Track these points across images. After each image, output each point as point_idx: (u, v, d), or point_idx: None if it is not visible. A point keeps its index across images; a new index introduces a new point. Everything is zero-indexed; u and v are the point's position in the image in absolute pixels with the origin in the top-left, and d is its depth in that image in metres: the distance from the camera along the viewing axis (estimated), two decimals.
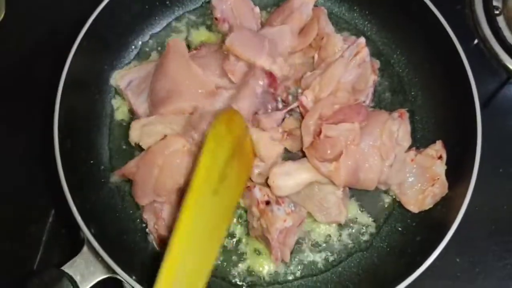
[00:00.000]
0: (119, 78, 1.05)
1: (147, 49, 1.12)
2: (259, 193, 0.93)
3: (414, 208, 0.97)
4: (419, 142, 1.04)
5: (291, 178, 0.92)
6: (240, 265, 0.97)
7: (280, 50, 1.01)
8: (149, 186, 0.92)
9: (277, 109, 1.01)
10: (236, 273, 0.97)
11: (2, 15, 1.21)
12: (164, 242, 0.90)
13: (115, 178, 1.01)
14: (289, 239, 0.94)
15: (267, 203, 0.92)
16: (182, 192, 0.80)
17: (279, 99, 1.02)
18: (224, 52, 0.99)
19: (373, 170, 0.91)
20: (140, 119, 0.99)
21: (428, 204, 0.96)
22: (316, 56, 1.04)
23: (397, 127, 0.93)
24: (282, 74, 0.99)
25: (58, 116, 0.92)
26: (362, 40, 1.00)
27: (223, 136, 0.76)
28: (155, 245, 0.97)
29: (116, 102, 1.07)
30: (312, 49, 1.05)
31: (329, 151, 0.88)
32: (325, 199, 0.94)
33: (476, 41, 1.17)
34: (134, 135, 0.97)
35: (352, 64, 0.97)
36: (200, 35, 1.13)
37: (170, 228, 0.79)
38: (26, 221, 1.06)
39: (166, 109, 0.96)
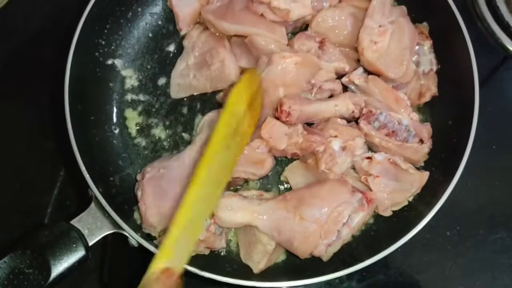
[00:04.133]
0: None
1: None
2: None
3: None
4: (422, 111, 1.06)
5: (233, 213, 0.89)
6: None
7: None
8: None
9: None
10: None
11: None
12: None
13: None
14: None
15: None
16: None
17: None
18: None
19: (308, 244, 0.87)
20: None
21: None
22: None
23: (350, 213, 0.89)
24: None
25: (69, 82, 0.96)
26: None
27: (242, 94, 0.79)
28: None
29: (125, 72, 1.11)
30: None
31: None
32: (254, 244, 0.92)
33: (479, 24, 1.17)
34: None
35: None
36: None
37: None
38: (35, 184, 1.11)
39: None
